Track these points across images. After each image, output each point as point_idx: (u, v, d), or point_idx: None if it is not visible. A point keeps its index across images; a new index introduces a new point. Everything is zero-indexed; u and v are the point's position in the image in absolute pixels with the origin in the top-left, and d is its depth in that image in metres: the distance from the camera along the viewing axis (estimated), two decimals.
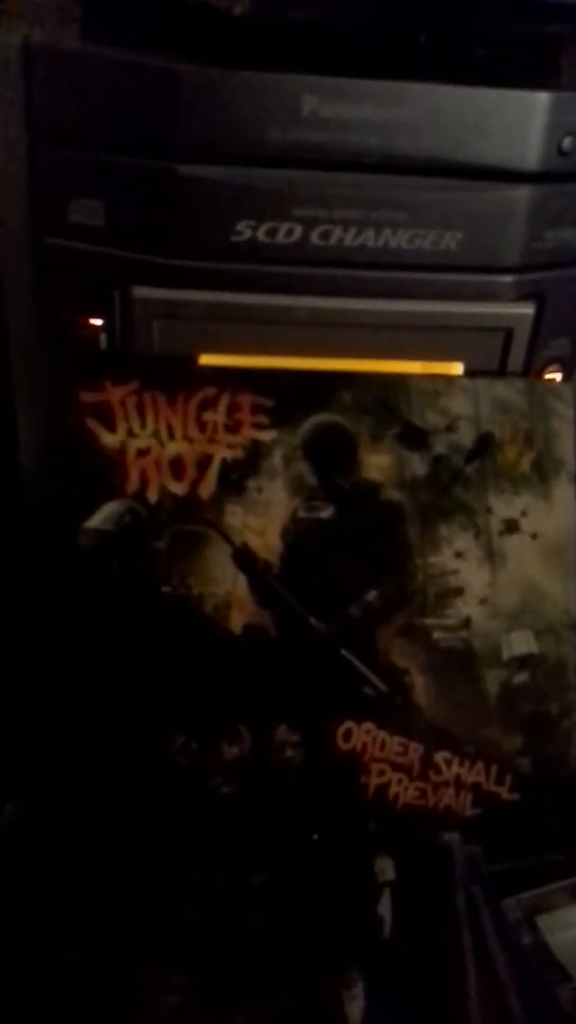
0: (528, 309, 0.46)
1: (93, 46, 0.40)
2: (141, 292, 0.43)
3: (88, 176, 0.41)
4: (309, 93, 0.39)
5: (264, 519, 0.46)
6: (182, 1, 0.38)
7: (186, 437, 0.45)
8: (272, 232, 0.42)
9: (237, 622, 0.46)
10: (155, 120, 0.39)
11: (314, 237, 0.42)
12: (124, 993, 0.40)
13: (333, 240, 0.42)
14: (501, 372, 0.47)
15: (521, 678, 0.48)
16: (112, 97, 0.39)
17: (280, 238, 0.42)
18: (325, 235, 0.42)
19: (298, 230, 0.42)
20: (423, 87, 0.40)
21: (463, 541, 0.47)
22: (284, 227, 0.42)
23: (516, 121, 0.41)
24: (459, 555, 0.47)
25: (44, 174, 0.41)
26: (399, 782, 0.47)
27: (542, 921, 0.45)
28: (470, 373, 0.47)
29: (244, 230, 0.41)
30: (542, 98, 0.41)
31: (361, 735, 0.46)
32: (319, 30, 0.39)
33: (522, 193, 0.43)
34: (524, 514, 0.48)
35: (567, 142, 0.42)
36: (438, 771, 0.47)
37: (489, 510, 0.47)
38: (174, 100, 0.39)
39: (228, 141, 0.40)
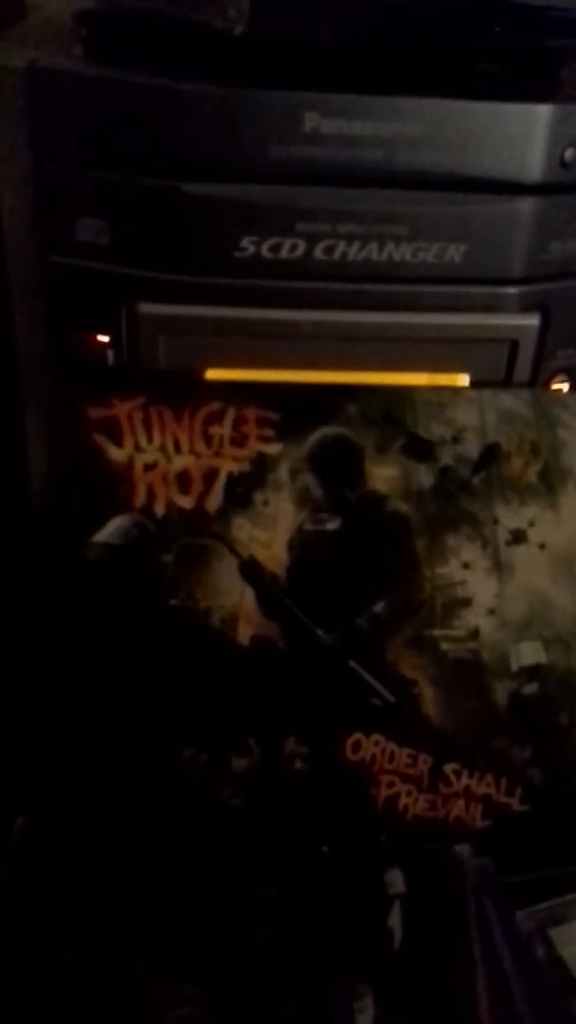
0: (533, 320, 0.46)
1: (97, 67, 0.40)
2: (147, 308, 0.43)
3: (93, 195, 0.41)
4: (310, 110, 0.39)
5: (271, 532, 0.46)
6: (183, 21, 0.39)
7: (193, 451, 0.45)
8: (276, 248, 0.42)
9: (245, 634, 0.46)
10: (158, 139, 0.40)
11: (318, 252, 0.42)
12: (133, 1006, 0.40)
13: (337, 255, 0.42)
14: (507, 383, 0.47)
15: (530, 689, 0.47)
16: (116, 117, 0.40)
17: (284, 253, 0.42)
18: (329, 250, 0.42)
19: (301, 245, 0.42)
20: (424, 102, 0.40)
21: (470, 552, 0.47)
22: (287, 242, 0.42)
23: (518, 134, 0.41)
24: (466, 566, 0.47)
25: (49, 193, 0.42)
26: (409, 794, 0.47)
27: (555, 933, 0.45)
28: (476, 384, 0.47)
29: (248, 246, 0.42)
30: (543, 110, 0.41)
31: (370, 747, 0.46)
32: (319, 47, 0.40)
33: (525, 205, 0.43)
34: (531, 524, 0.48)
35: (569, 153, 0.42)
36: (448, 783, 0.47)
37: (496, 521, 0.47)
38: (177, 119, 0.39)
39: (231, 158, 0.40)
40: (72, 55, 0.42)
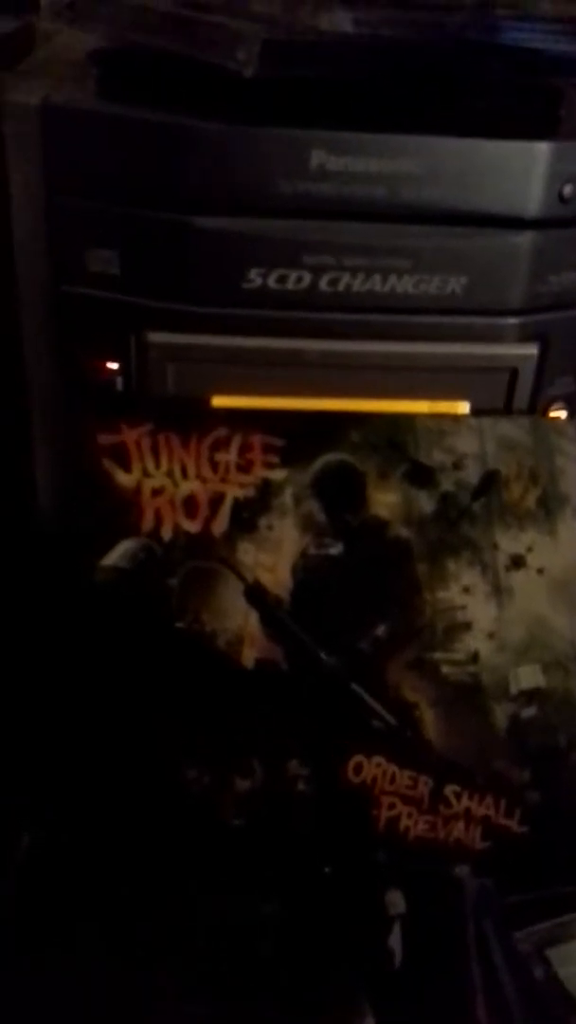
0: (532, 349, 0.47)
1: (109, 104, 0.42)
2: (156, 337, 0.44)
3: (104, 227, 0.42)
4: (317, 147, 0.41)
5: (275, 556, 0.47)
6: (194, 62, 0.40)
7: (199, 476, 0.46)
8: (282, 279, 0.43)
9: (249, 657, 0.47)
10: (169, 174, 0.41)
11: (323, 284, 0.43)
12: (134, 1022, 0.40)
13: (341, 286, 0.43)
14: (507, 411, 0.48)
15: (529, 712, 0.48)
16: (127, 153, 0.41)
17: (290, 285, 0.43)
18: (333, 282, 0.43)
19: (307, 277, 0.43)
20: (427, 139, 0.41)
21: (470, 577, 0.48)
22: (294, 274, 0.43)
23: (518, 170, 0.42)
24: (466, 590, 0.48)
25: (61, 225, 0.43)
26: (409, 815, 0.47)
27: (553, 954, 0.45)
28: (476, 412, 0.48)
29: (255, 278, 0.43)
30: (543, 148, 0.42)
31: (371, 768, 0.47)
32: (325, 87, 0.41)
33: (524, 239, 0.44)
34: (530, 550, 0.48)
35: (567, 189, 0.43)
36: (448, 804, 0.47)
37: (496, 546, 0.48)
38: (187, 155, 0.40)
39: (239, 194, 0.41)
40: (84, 91, 0.43)
